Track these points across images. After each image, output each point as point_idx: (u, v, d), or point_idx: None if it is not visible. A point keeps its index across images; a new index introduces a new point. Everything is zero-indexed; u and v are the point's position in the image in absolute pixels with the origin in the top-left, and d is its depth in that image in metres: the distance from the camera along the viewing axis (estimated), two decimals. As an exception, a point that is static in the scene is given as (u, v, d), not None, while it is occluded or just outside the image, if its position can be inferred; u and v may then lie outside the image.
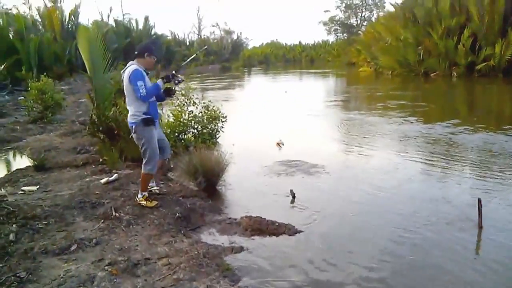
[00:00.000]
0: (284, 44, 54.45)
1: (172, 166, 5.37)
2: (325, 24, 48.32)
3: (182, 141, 6.22)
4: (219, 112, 6.59)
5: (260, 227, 3.56)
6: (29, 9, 30.61)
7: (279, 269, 2.95)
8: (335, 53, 44.04)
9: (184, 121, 6.34)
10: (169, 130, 6.07)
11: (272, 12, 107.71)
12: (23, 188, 4.58)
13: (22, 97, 11.07)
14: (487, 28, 17.23)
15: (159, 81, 3.93)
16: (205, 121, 6.48)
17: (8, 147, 7.28)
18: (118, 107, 6.12)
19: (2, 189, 4.46)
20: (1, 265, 2.86)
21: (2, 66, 16.75)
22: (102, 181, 4.67)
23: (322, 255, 3.12)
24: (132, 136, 4.02)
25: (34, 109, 9.67)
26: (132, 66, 3.83)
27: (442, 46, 18.46)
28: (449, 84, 17.02)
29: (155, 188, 4.30)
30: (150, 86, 3.84)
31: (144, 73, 3.83)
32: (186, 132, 6.40)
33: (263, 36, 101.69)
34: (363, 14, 47.04)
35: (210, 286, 2.66)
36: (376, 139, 7.23)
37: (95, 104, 6.30)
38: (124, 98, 4.07)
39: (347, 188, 4.67)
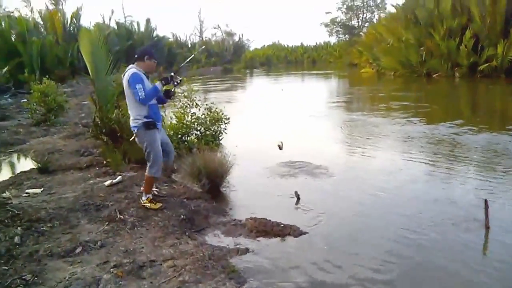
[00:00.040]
0: (286, 46, 54.69)
1: (175, 168, 5.37)
2: (326, 25, 48.45)
3: (185, 143, 6.23)
4: (222, 114, 6.60)
5: (265, 229, 3.55)
6: (31, 11, 30.83)
7: (285, 270, 2.94)
8: (337, 55, 44.19)
9: (187, 123, 6.35)
10: (172, 132, 6.08)
11: (273, 13, 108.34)
12: (27, 190, 4.58)
13: (25, 100, 11.10)
14: (489, 28, 17.21)
15: (158, 84, 3.90)
16: (208, 122, 6.48)
17: (12, 150, 7.29)
18: (120, 109, 6.12)
19: (7, 192, 4.47)
20: (6, 268, 2.86)
21: (5, 69, 16.82)
22: (106, 183, 4.66)
23: (327, 257, 3.11)
24: (134, 139, 4.02)
25: (37, 111, 9.68)
26: (131, 69, 3.82)
27: (444, 47, 18.45)
28: (452, 84, 16.99)
29: (154, 189, 4.29)
30: (148, 89, 3.81)
31: (143, 76, 3.82)
32: (189, 134, 6.41)
33: (264, 37, 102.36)
34: (364, 16, 47.16)
35: (215, 288, 2.65)
36: (380, 140, 7.21)
37: (97, 106, 6.30)
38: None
39: (351, 189, 4.66)
